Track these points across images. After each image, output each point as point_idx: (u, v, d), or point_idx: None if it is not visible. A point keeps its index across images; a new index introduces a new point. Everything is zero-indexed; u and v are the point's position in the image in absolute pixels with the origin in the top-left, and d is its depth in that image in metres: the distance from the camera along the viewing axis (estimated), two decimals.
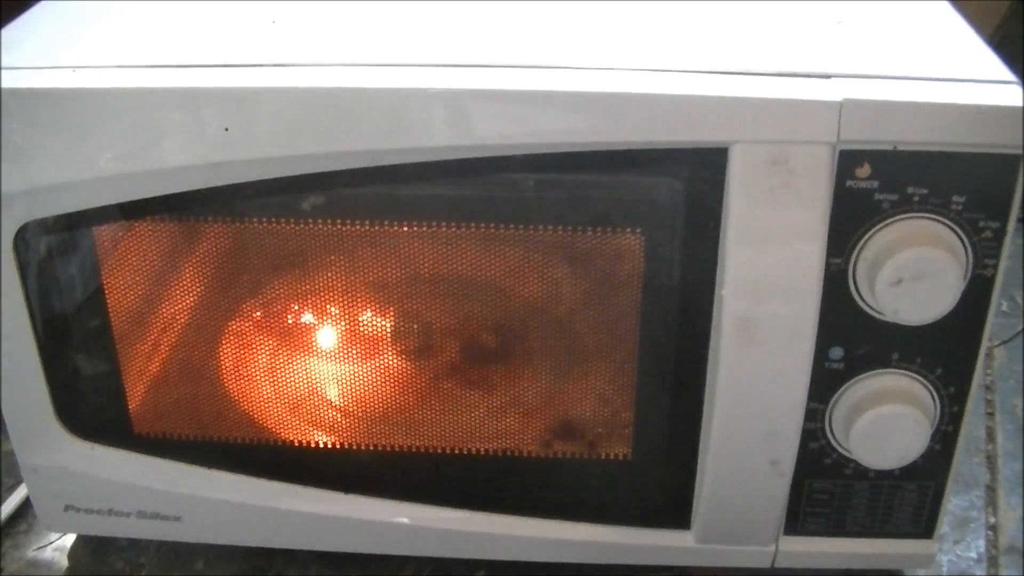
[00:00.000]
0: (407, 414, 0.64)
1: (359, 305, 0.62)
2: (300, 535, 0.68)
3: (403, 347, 0.63)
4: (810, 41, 0.58)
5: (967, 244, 0.54)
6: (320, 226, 0.59)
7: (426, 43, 0.58)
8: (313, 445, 0.66)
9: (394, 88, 0.53)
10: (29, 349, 0.62)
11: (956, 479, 0.63)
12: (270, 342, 0.65)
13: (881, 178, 0.53)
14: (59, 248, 0.60)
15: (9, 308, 0.61)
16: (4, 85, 0.54)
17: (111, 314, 0.62)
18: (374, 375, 0.64)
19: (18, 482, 0.74)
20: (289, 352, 0.65)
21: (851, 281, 0.55)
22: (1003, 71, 0.54)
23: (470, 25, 0.60)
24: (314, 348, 0.64)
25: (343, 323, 0.63)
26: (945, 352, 0.58)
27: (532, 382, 0.63)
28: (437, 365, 0.64)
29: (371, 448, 0.65)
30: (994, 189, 0.53)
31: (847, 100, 0.51)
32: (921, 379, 0.58)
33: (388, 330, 0.63)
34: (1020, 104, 0.51)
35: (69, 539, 0.73)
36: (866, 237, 0.54)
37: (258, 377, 0.65)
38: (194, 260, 0.62)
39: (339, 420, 0.66)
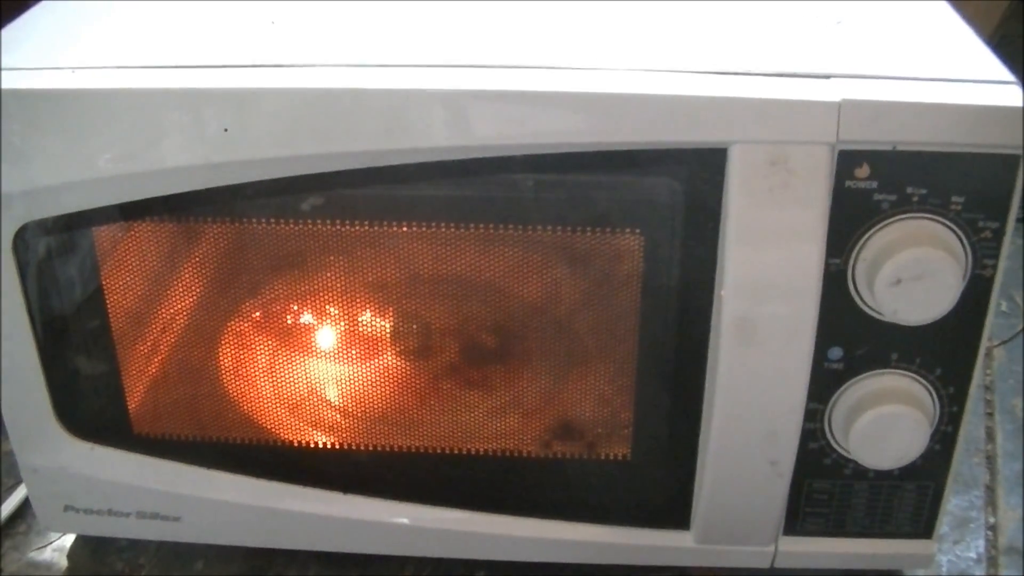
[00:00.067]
0: (407, 414, 0.64)
1: (359, 305, 0.62)
2: (300, 535, 0.68)
3: (403, 347, 0.63)
4: (809, 41, 0.58)
5: (966, 244, 0.54)
6: (319, 226, 0.59)
7: (425, 43, 0.58)
8: (313, 445, 0.66)
9: (393, 89, 0.53)
10: (29, 349, 0.62)
11: (955, 479, 0.63)
12: (270, 342, 0.65)
13: (880, 178, 0.53)
14: (59, 248, 0.60)
15: (9, 308, 0.61)
16: (4, 86, 0.54)
17: (111, 314, 0.62)
18: (374, 375, 0.64)
19: (18, 482, 0.74)
20: (289, 352, 0.65)
21: (850, 281, 0.55)
22: (1002, 71, 0.54)
23: (470, 25, 0.60)
24: (313, 348, 0.64)
25: (342, 323, 0.63)
26: (944, 352, 0.58)
27: (532, 382, 0.63)
28: (437, 365, 0.64)
29: (371, 448, 0.65)
30: (993, 189, 0.53)
31: (846, 100, 0.51)
32: (920, 379, 0.58)
33: (387, 330, 0.63)
34: (1019, 104, 0.51)
35: (69, 539, 0.73)
36: (865, 237, 0.54)
37: (258, 377, 0.65)
38: (194, 260, 0.62)
39: (339, 420, 0.66)
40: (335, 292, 0.62)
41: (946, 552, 0.70)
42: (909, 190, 0.53)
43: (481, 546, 0.67)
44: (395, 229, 0.58)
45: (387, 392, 0.64)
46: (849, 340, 0.57)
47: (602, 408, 0.63)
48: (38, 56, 0.58)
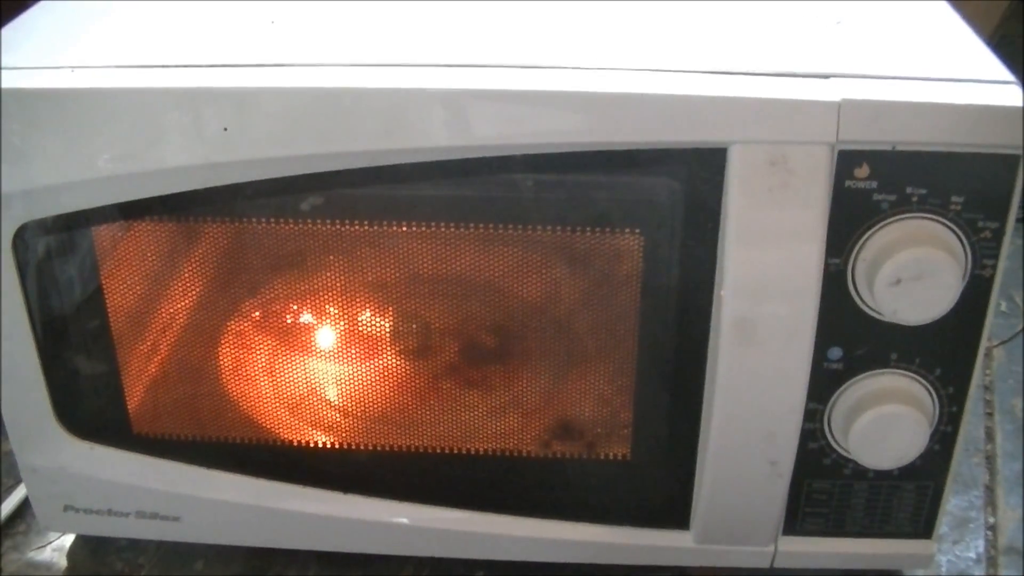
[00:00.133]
0: (406, 414, 0.64)
1: (358, 305, 0.62)
2: (299, 535, 0.68)
3: (402, 347, 0.63)
4: (809, 41, 0.58)
5: (966, 244, 0.54)
6: (319, 226, 0.59)
7: (425, 43, 0.58)
8: (312, 445, 0.66)
9: (393, 88, 0.53)
10: (28, 349, 0.62)
11: (955, 479, 0.63)
12: (269, 342, 0.65)
13: (880, 178, 0.53)
14: (58, 248, 0.60)
15: (8, 308, 0.61)
16: (4, 85, 0.54)
17: (110, 314, 0.62)
18: (373, 375, 0.64)
19: (17, 482, 0.74)
20: (288, 352, 0.65)
21: (850, 281, 0.55)
22: (1002, 71, 0.54)
23: (469, 25, 0.60)
24: (313, 348, 0.64)
25: (342, 323, 0.63)
26: (944, 352, 0.58)
27: (531, 382, 0.63)
28: (436, 365, 0.64)
29: (370, 448, 0.65)
30: (993, 189, 0.53)
31: (846, 100, 0.51)
32: (920, 379, 0.58)
33: (387, 330, 0.63)
34: (1019, 104, 0.51)
35: (68, 539, 0.73)
36: (865, 237, 0.54)
37: (257, 377, 0.65)
38: (193, 260, 0.62)
39: (338, 420, 0.66)
40: (335, 292, 0.62)
41: (946, 552, 0.70)
42: (909, 190, 0.53)
43: (481, 546, 0.67)
44: (395, 229, 0.58)
45: (387, 392, 0.64)
46: (849, 340, 0.57)
47: (602, 408, 0.63)
48: (38, 56, 0.58)
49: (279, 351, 0.65)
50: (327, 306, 0.63)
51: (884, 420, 0.58)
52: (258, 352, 0.65)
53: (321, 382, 0.65)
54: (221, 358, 0.65)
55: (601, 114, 0.53)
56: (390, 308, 0.63)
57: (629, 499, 0.65)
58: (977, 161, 0.52)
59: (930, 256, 0.53)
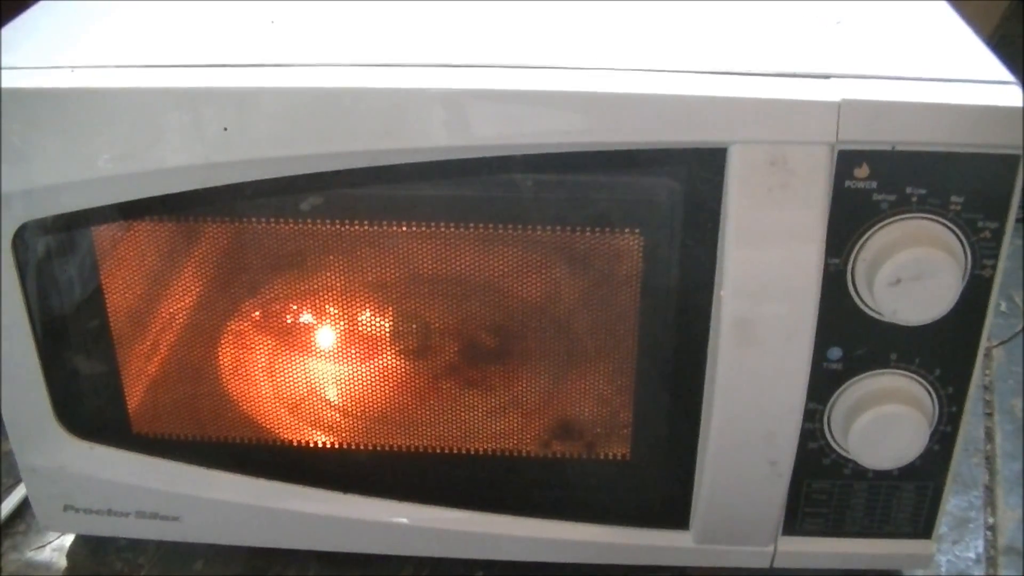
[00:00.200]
0: (406, 414, 0.64)
1: (358, 305, 0.62)
2: (299, 535, 0.68)
3: (402, 347, 0.63)
4: (809, 41, 0.58)
5: (966, 244, 0.54)
6: (319, 226, 0.59)
7: (425, 43, 0.58)
8: (312, 445, 0.66)
9: (393, 88, 0.53)
10: (28, 349, 0.62)
11: (955, 479, 0.63)
12: (269, 342, 0.65)
13: (880, 178, 0.53)
14: (58, 248, 0.60)
15: (8, 308, 0.61)
16: (4, 85, 0.54)
17: (110, 314, 0.62)
18: (373, 375, 0.64)
19: (17, 482, 0.74)
20: (288, 352, 0.65)
21: (850, 281, 0.55)
22: (1002, 71, 0.54)
23: (469, 25, 0.60)
24: (313, 348, 0.64)
25: (342, 323, 0.63)
26: (944, 352, 0.58)
27: (531, 382, 0.63)
28: (436, 365, 0.64)
29: (370, 448, 0.65)
30: (993, 189, 0.53)
31: (846, 100, 0.51)
32: (920, 379, 0.58)
33: (387, 330, 0.63)
34: (1019, 104, 0.51)
35: (68, 539, 0.73)
36: (865, 237, 0.54)
37: (257, 377, 0.65)
38: (193, 260, 0.62)
39: (338, 420, 0.66)
40: (335, 292, 0.62)
41: (945, 552, 0.70)
42: (908, 190, 0.53)
43: (480, 546, 0.67)
44: (395, 229, 0.58)
45: (387, 392, 0.64)
46: (848, 340, 0.57)
47: (601, 408, 0.63)
48: (38, 55, 0.58)
49: (279, 351, 0.65)
50: (327, 306, 0.63)
51: (884, 420, 0.58)
52: (258, 352, 0.65)
53: (321, 382, 0.65)
54: (221, 358, 0.65)
55: (601, 114, 0.53)
56: (390, 308, 0.63)
57: (629, 499, 0.65)
58: (977, 161, 0.52)
59: (930, 256, 0.53)
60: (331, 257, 0.60)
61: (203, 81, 0.54)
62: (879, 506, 0.63)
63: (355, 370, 0.64)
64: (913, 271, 0.53)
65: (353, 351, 0.64)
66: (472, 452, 0.64)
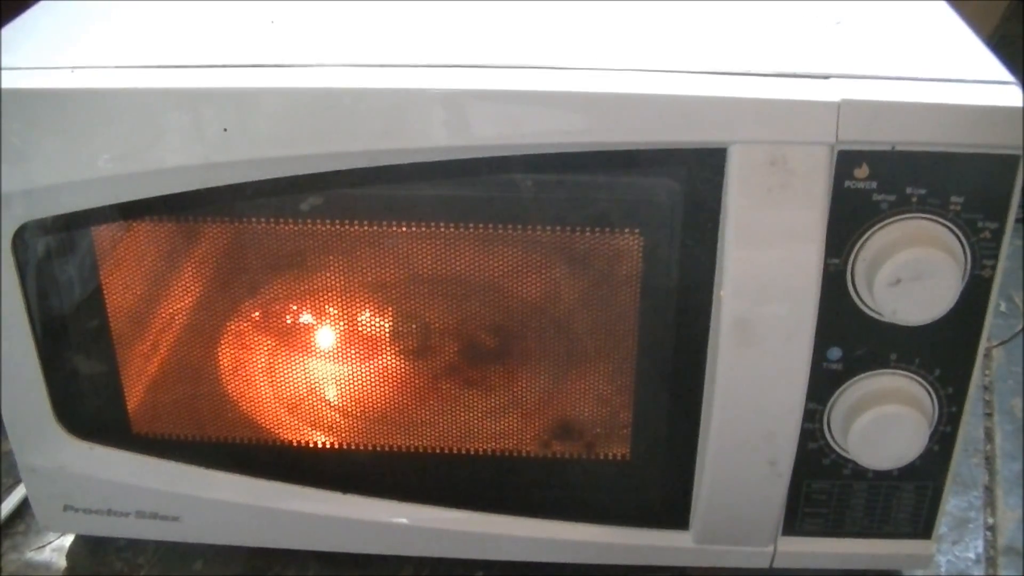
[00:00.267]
0: (406, 414, 0.64)
1: (358, 305, 0.62)
2: (299, 535, 0.68)
3: (402, 347, 0.63)
4: (809, 41, 0.58)
5: (965, 244, 0.54)
6: (319, 226, 0.59)
7: (425, 43, 0.58)
8: (312, 445, 0.66)
9: (393, 88, 0.53)
10: (28, 349, 0.62)
11: (954, 480, 0.63)
12: (269, 342, 0.65)
13: (880, 178, 0.53)
14: (58, 248, 0.60)
15: (8, 308, 0.61)
16: (4, 85, 0.54)
17: (110, 314, 0.62)
18: (373, 375, 0.64)
19: (17, 482, 0.74)
20: (288, 352, 0.65)
21: (850, 281, 0.55)
22: (1002, 72, 0.54)
23: (469, 25, 0.60)
24: (313, 348, 0.64)
25: (342, 323, 0.63)
26: (944, 353, 0.58)
27: (531, 382, 0.63)
28: (436, 365, 0.64)
29: (370, 448, 0.65)
30: (992, 190, 0.53)
31: (845, 101, 0.51)
32: (920, 379, 0.58)
33: (387, 330, 0.63)
34: (1019, 104, 0.51)
35: (68, 539, 0.73)
36: (865, 237, 0.54)
37: (257, 377, 0.65)
38: (193, 260, 0.62)
39: (338, 420, 0.66)
40: (334, 292, 0.62)
41: (945, 552, 0.70)
42: (908, 190, 0.53)
43: (480, 546, 0.67)
44: (395, 229, 0.58)
45: (386, 392, 0.64)
46: (848, 340, 0.57)
47: (601, 408, 0.63)
48: (38, 56, 0.58)
49: (279, 351, 0.65)
50: (327, 306, 0.63)
51: (883, 420, 0.58)
52: (258, 352, 0.65)
53: (321, 382, 0.65)
54: (221, 358, 0.65)
55: (601, 114, 0.53)
56: (390, 308, 0.63)
57: (628, 499, 0.65)
58: (977, 161, 0.52)
59: (930, 256, 0.53)
60: (331, 257, 0.60)
61: (203, 81, 0.54)
62: (879, 506, 0.63)
63: (355, 370, 0.64)
64: (913, 271, 0.53)
65: (353, 351, 0.64)
66: (472, 452, 0.64)
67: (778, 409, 0.58)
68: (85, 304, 0.62)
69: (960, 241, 0.54)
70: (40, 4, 0.65)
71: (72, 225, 0.59)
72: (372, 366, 0.64)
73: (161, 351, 0.65)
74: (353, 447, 0.66)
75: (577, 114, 0.53)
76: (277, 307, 0.64)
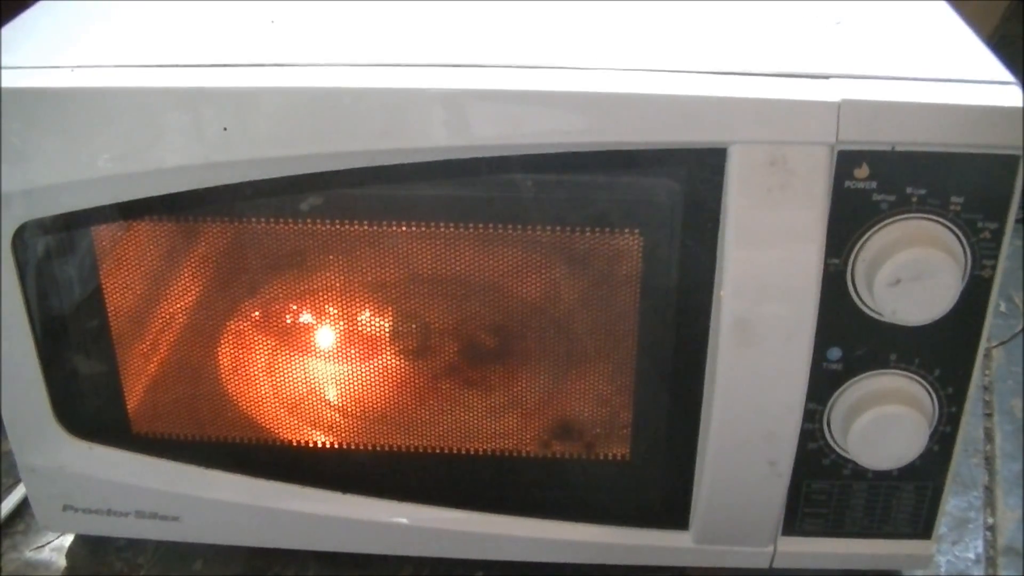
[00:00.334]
0: (406, 414, 0.64)
1: (358, 305, 0.62)
2: (299, 535, 0.68)
3: (402, 347, 0.63)
4: (809, 41, 0.58)
5: (965, 245, 0.54)
6: (319, 226, 0.59)
7: (425, 43, 0.58)
8: (312, 445, 0.66)
9: (393, 88, 0.53)
10: (27, 349, 0.62)
11: (954, 480, 0.63)
12: (269, 342, 0.65)
13: (880, 179, 0.53)
14: (57, 248, 0.60)
15: (7, 308, 0.61)
16: (4, 85, 0.54)
17: (109, 314, 0.62)
18: (373, 375, 0.64)
19: (16, 482, 0.74)
20: (288, 352, 0.65)
21: (849, 282, 0.55)
22: (1002, 72, 0.54)
23: (469, 25, 0.60)
24: (313, 348, 0.64)
25: (342, 323, 0.63)
26: (943, 353, 0.58)
27: (531, 382, 0.63)
28: (436, 365, 0.64)
29: (370, 448, 0.65)
30: (992, 190, 0.53)
31: (845, 101, 0.51)
32: (919, 380, 0.58)
33: (387, 330, 0.63)
34: (1019, 105, 0.51)
35: (67, 539, 0.73)
36: (864, 238, 0.54)
37: (257, 377, 0.65)
38: (193, 260, 0.62)
39: (338, 420, 0.66)
40: (334, 292, 0.62)
41: (945, 553, 0.70)
42: (908, 190, 0.53)
43: (480, 546, 0.67)
44: (394, 229, 0.58)
45: (386, 392, 0.64)
46: (848, 340, 0.57)
47: (601, 408, 0.63)
48: (38, 55, 0.58)
49: (278, 351, 0.65)
50: (326, 306, 0.63)
51: (883, 420, 0.58)
52: (257, 352, 0.65)
53: (320, 382, 0.65)
54: (220, 358, 0.65)
55: (601, 114, 0.53)
56: (389, 308, 0.63)
57: (628, 499, 0.65)
58: (977, 161, 0.52)
59: (929, 256, 0.53)
60: (331, 257, 0.60)
61: (203, 81, 0.54)
62: (879, 506, 0.63)
63: (355, 370, 0.64)
64: (913, 271, 0.53)
65: (353, 351, 0.64)
66: (472, 452, 0.64)
67: (778, 409, 0.58)
68: (85, 304, 0.62)
69: (960, 241, 0.54)
70: (40, 4, 0.65)
71: (72, 225, 0.59)
72: (372, 366, 0.64)
73: (161, 351, 0.65)
74: (353, 447, 0.66)
75: (577, 114, 0.53)
76: (277, 307, 0.64)
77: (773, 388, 0.57)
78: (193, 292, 0.63)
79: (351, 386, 0.64)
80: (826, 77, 0.53)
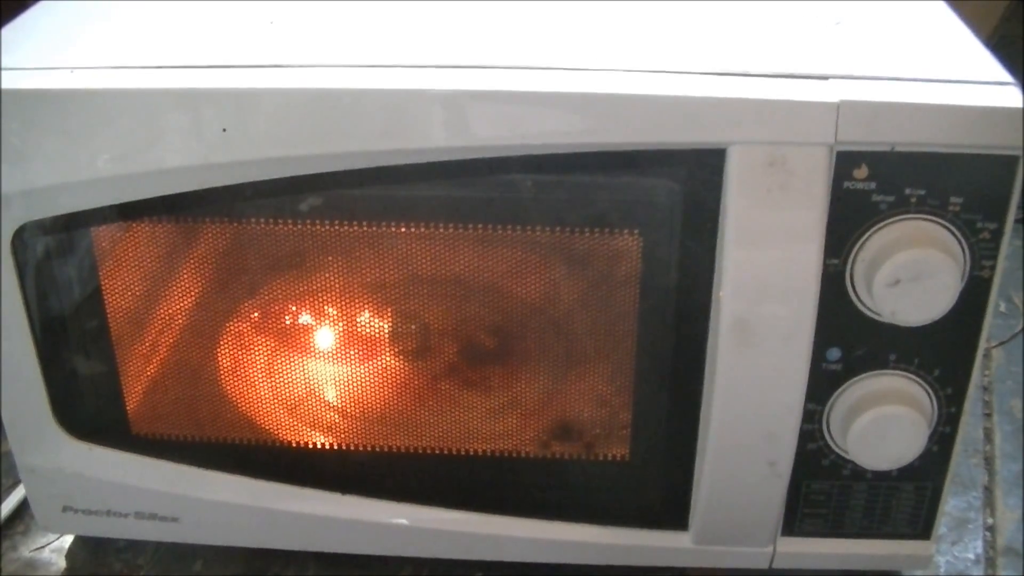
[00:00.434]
0: (405, 415, 0.64)
1: (357, 306, 0.62)
2: (298, 536, 0.68)
3: (401, 348, 0.63)
4: (808, 42, 0.58)
5: (965, 245, 0.54)
6: (318, 227, 0.59)
7: (424, 44, 0.58)
8: (311, 446, 0.66)
9: (392, 89, 0.53)
10: (27, 350, 0.62)
11: (954, 480, 0.63)
12: (268, 343, 0.65)
13: (879, 179, 0.53)
14: (57, 249, 0.60)
15: (7, 309, 0.61)
16: (3, 86, 0.54)
17: (109, 315, 0.62)
18: (372, 376, 0.64)
19: (16, 483, 0.74)
20: (287, 353, 0.65)
21: (849, 282, 0.55)
22: (1001, 72, 0.54)
23: (468, 26, 0.60)
24: (312, 349, 0.64)
25: (341, 324, 0.63)
26: (943, 353, 0.58)
27: (530, 383, 0.63)
28: (435, 366, 0.64)
29: (369, 449, 0.65)
30: (992, 190, 0.53)
31: (844, 101, 0.51)
32: (919, 380, 0.58)
33: (386, 331, 0.63)
34: (1018, 105, 0.51)
35: (67, 540, 0.73)
36: (864, 238, 0.54)
37: (256, 378, 0.65)
38: (192, 261, 0.62)
39: (337, 421, 0.66)
40: (334, 292, 0.62)
41: (944, 553, 0.70)
42: (907, 191, 0.53)
43: (479, 547, 0.67)
44: (394, 230, 0.58)
45: (386, 393, 0.64)
46: (847, 341, 0.57)
47: (601, 409, 0.63)
48: (37, 56, 0.58)
49: (278, 352, 0.65)
50: (326, 307, 0.63)
51: (883, 421, 0.58)
52: (257, 353, 0.65)
53: (320, 383, 0.65)
54: (220, 359, 0.65)
55: (600, 115, 0.53)
56: (389, 309, 0.63)
57: (628, 500, 0.65)
58: (976, 162, 0.52)
59: (929, 257, 0.53)
60: (330, 258, 0.60)
61: (202, 82, 0.54)
62: (878, 507, 0.63)
63: (354, 371, 0.64)
64: (912, 272, 0.53)
65: (352, 352, 0.64)
66: (471, 453, 0.64)
67: (777, 409, 0.58)
68: (84, 304, 0.62)
69: (959, 242, 0.54)
70: (40, 4, 0.65)
71: (71, 226, 0.59)
72: (371, 367, 0.64)
73: (160, 352, 0.65)
74: (352, 448, 0.66)
75: (576, 115, 0.53)
76: (276, 308, 0.64)
77: (772, 388, 0.57)
78: (192, 293, 0.63)
79: (351, 387, 0.64)
80: (825, 78, 0.53)
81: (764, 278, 0.54)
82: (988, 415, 0.83)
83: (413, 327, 0.63)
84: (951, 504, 0.74)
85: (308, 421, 0.66)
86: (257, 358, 0.65)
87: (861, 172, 0.53)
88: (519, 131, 0.53)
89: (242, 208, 0.58)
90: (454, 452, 0.64)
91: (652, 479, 0.64)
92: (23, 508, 0.74)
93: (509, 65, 0.54)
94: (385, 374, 0.64)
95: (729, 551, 0.65)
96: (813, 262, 0.54)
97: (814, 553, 0.65)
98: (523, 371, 0.63)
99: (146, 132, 0.55)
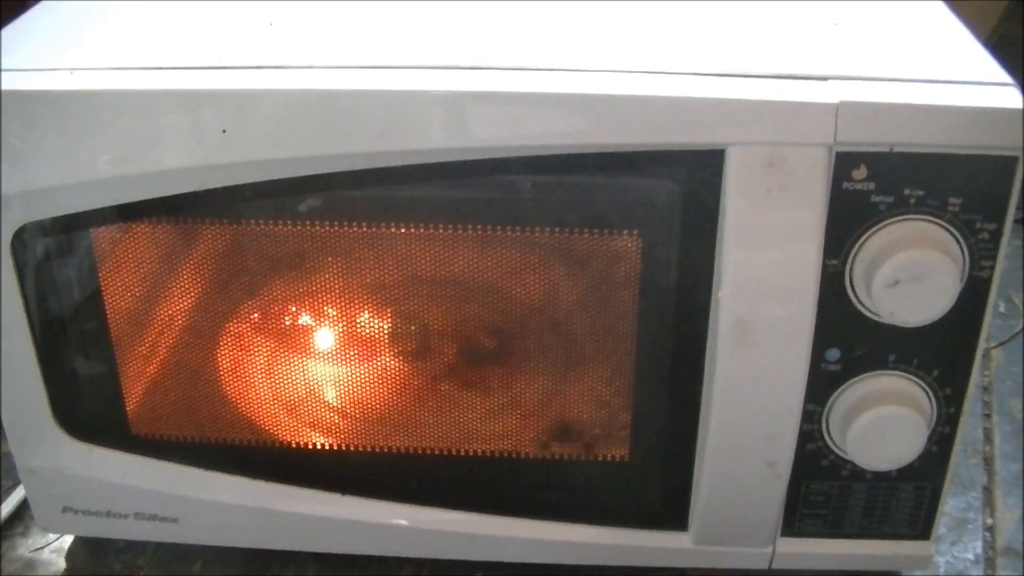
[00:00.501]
0: (405, 416, 0.64)
1: (357, 306, 0.62)
2: (298, 536, 0.68)
3: (401, 348, 0.63)
4: (807, 43, 0.58)
5: (964, 246, 0.54)
6: (318, 228, 0.59)
7: (424, 45, 0.58)
8: (311, 446, 0.66)
9: (392, 90, 0.53)
10: (27, 351, 0.62)
11: (953, 480, 0.63)
12: (268, 344, 0.65)
13: (878, 180, 0.53)
14: (57, 250, 0.60)
15: (7, 310, 0.61)
16: (3, 87, 0.54)
17: (109, 316, 0.62)
18: (372, 377, 0.64)
19: (16, 483, 0.74)
20: (287, 354, 0.65)
21: (848, 283, 0.56)
22: (1000, 73, 0.54)
23: (468, 27, 0.60)
24: (312, 350, 0.64)
25: (341, 325, 0.63)
26: (942, 353, 0.58)
27: (530, 384, 0.64)
28: (435, 366, 0.64)
29: (369, 450, 0.65)
30: (991, 191, 0.53)
31: (844, 102, 0.51)
32: (918, 380, 0.58)
33: (386, 332, 0.63)
34: (1017, 106, 0.51)
35: (67, 540, 0.73)
36: (863, 239, 0.54)
37: (256, 379, 0.65)
38: (192, 262, 0.62)
39: (337, 421, 0.66)
40: (333, 293, 0.62)
41: (944, 553, 0.71)
42: (907, 192, 0.53)
43: (479, 547, 0.67)
44: (393, 230, 0.58)
45: (385, 393, 0.64)
46: (847, 341, 0.57)
47: (600, 409, 0.63)
48: (37, 57, 0.58)
49: (278, 353, 0.65)
50: (326, 308, 0.63)
51: (882, 421, 0.58)
52: (256, 354, 0.65)
53: (319, 384, 0.65)
54: (220, 360, 0.65)
55: (599, 116, 0.53)
56: (388, 310, 0.63)
57: (627, 500, 0.65)
58: (975, 163, 0.52)
59: (928, 257, 0.53)
60: (330, 259, 0.60)
61: (202, 83, 0.54)
62: (877, 507, 0.63)
63: (354, 372, 0.64)
64: (911, 272, 0.53)
65: (352, 353, 0.64)
66: (471, 454, 0.64)
67: (777, 410, 0.58)
68: (84, 305, 0.62)
69: (958, 242, 0.54)
70: (40, 4, 0.65)
71: (71, 227, 0.59)
72: (371, 367, 0.64)
73: (160, 352, 0.65)
74: (352, 448, 0.66)
75: (576, 115, 0.53)
76: (276, 308, 0.64)
77: (772, 389, 0.57)
78: (192, 294, 0.63)
79: (350, 387, 0.64)
80: (824, 78, 0.53)
81: (763, 279, 0.54)
82: (987, 415, 0.83)
83: (413, 328, 0.63)
84: (951, 504, 0.74)
85: (308, 422, 0.66)
86: (257, 359, 0.65)
87: (860, 173, 0.53)
88: (519, 132, 0.53)
89: (242, 209, 0.58)
90: (454, 453, 0.65)
91: (652, 479, 0.64)
92: (23, 508, 0.74)
93: (509, 66, 0.54)
94: (385, 375, 0.64)
95: (729, 551, 0.65)
96: (812, 262, 0.54)
97: (814, 553, 0.65)
98: (523, 372, 0.63)
99: (146, 133, 0.55)
